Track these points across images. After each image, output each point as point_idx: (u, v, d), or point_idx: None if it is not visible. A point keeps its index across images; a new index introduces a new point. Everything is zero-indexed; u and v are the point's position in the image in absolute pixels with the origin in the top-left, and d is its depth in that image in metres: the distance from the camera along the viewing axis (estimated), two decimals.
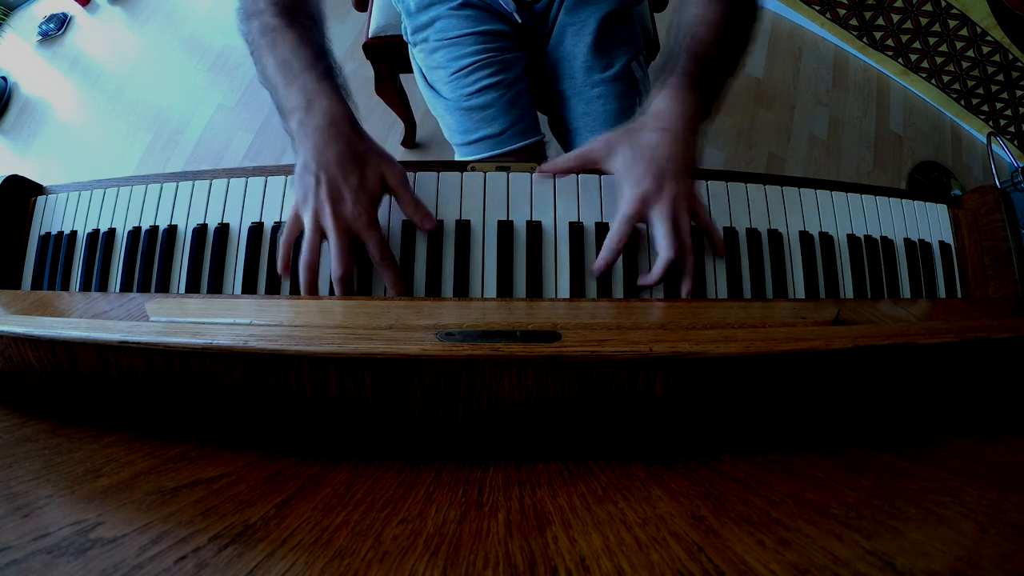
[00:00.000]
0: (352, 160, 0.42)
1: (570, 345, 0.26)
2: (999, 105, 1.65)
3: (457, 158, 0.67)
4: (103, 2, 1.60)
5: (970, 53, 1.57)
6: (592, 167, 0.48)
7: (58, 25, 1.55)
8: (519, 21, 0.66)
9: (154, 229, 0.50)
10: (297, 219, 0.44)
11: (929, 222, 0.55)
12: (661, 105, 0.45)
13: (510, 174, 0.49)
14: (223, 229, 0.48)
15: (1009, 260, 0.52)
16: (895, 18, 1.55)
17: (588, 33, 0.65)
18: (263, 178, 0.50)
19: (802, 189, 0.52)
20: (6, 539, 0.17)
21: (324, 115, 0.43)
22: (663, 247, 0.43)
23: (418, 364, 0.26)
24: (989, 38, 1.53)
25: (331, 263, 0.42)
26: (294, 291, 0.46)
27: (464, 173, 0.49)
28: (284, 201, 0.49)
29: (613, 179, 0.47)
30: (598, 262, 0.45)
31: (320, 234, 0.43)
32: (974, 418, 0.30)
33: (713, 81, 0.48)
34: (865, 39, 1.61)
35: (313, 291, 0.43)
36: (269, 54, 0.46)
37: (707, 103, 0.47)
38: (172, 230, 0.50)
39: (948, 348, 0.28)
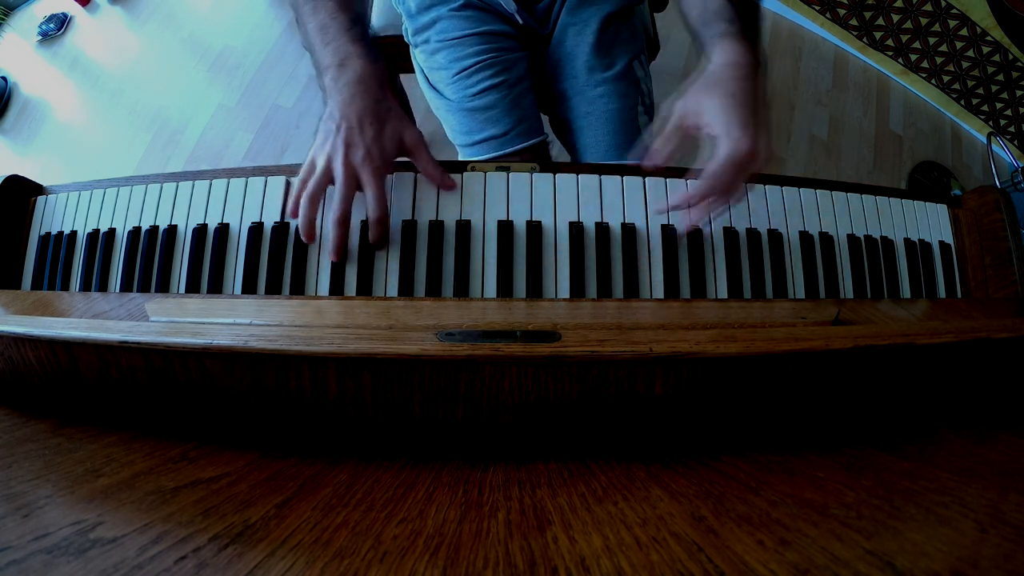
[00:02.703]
0: (373, 115, 0.45)
1: (570, 345, 0.26)
2: (999, 105, 1.65)
3: (460, 159, 0.67)
4: (103, 2, 1.60)
5: (970, 53, 1.57)
6: (691, 132, 0.47)
7: (58, 25, 1.55)
8: (520, 21, 0.66)
9: (154, 229, 0.50)
10: (312, 163, 0.46)
11: (929, 222, 0.55)
12: (728, 57, 0.46)
13: (510, 174, 0.49)
14: (223, 229, 0.48)
15: (1009, 260, 0.52)
16: (895, 18, 1.55)
17: (590, 33, 0.65)
18: (263, 178, 0.50)
19: (802, 189, 0.52)
20: (6, 539, 0.17)
21: (354, 73, 0.45)
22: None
23: (418, 364, 0.26)
24: (989, 38, 1.53)
25: (332, 206, 0.44)
26: (295, 290, 0.47)
27: (464, 173, 0.49)
28: (284, 201, 0.49)
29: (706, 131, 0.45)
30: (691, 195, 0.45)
31: (329, 176, 0.44)
32: (974, 418, 0.30)
33: (755, 26, 0.49)
34: (865, 39, 1.61)
35: (308, 226, 0.45)
36: (311, 18, 0.49)
37: (756, 48, 0.48)
38: (172, 230, 0.50)
39: (948, 348, 0.28)
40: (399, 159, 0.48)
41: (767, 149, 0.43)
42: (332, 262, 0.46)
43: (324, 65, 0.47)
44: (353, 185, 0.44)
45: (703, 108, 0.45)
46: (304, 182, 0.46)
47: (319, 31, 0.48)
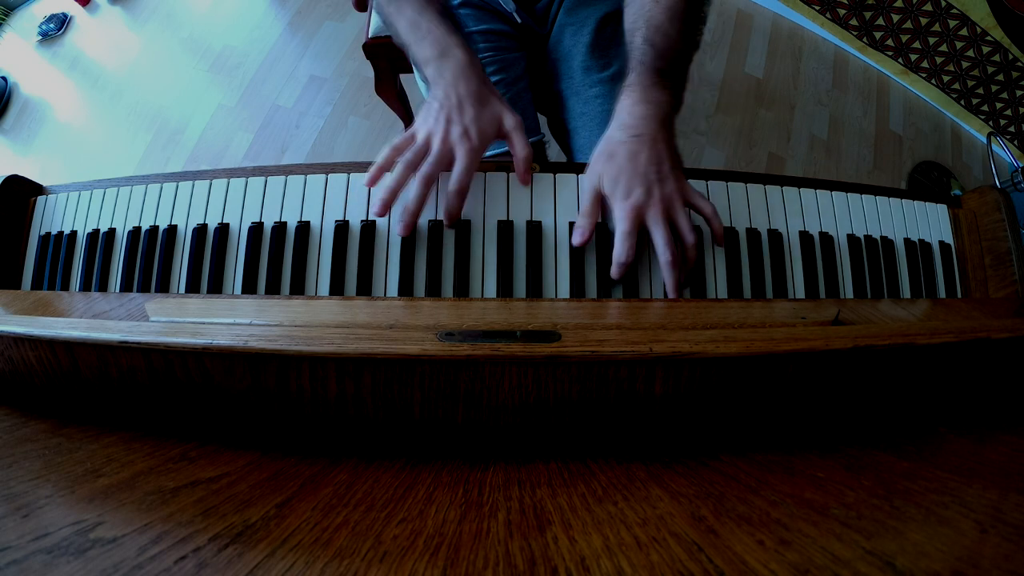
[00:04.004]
0: (475, 97, 0.47)
1: (570, 345, 0.26)
2: (999, 105, 1.65)
3: None
4: (103, 2, 1.60)
5: (970, 53, 1.57)
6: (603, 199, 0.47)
7: (58, 25, 1.55)
8: (519, 21, 0.66)
9: (154, 229, 0.50)
10: (412, 136, 0.48)
11: (929, 222, 0.55)
12: (629, 112, 0.46)
13: (510, 174, 0.49)
14: (223, 229, 0.48)
15: (1009, 260, 0.52)
16: (895, 18, 1.55)
17: (586, 33, 0.65)
18: (263, 178, 0.50)
19: (802, 189, 0.52)
20: (6, 539, 0.17)
21: (456, 61, 0.47)
22: (661, 251, 0.44)
23: (418, 364, 0.26)
24: (989, 38, 1.52)
25: (418, 173, 0.45)
26: (295, 290, 0.47)
27: None
28: (284, 201, 0.49)
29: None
30: (614, 274, 0.45)
31: (427, 149, 0.46)
32: (974, 418, 0.30)
33: (680, 70, 0.49)
34: (865, 39, 1.61)
35: (397, 188, 0.46)
36: (398, 17, 0.51)
37: (676, 94, 0.48)
38: (172, 230, 0.50)
39: (948, 348, 0.28)
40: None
41: (662, 203, 0.44)
42: (399, 235, 0.47)
43: (424, 58, 0.49)
44: (446, 159, 0.45)
45: (602, 180, 0.46)
46: (398, 148, 0.47)
47: (410, 28, 0.50)
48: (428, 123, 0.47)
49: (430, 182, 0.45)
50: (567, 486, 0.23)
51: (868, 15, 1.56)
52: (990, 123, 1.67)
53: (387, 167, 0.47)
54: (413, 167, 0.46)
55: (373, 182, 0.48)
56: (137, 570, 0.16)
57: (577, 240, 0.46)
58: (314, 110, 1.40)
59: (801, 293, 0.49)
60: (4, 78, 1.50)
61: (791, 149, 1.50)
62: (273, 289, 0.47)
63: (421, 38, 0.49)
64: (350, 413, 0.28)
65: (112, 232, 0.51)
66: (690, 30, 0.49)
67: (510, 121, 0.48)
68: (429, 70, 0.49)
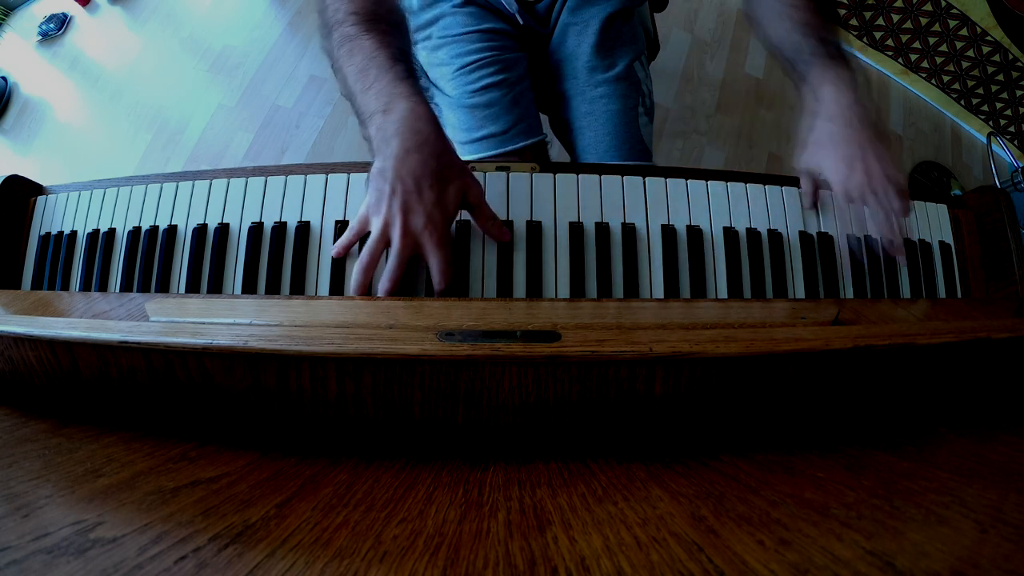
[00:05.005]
0: (433, 174, 0.40)
1: (570, 345, 0.26)
2: (999, 105, 1.65)
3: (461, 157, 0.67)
4: (103, 2, 1.60)
5: (970, 53, 1.57)
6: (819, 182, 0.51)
7: (58, 25, 1.55)
8: (521, 22, 0.66)
9: (154, 229, 0.50)
10: (365, 221, 0.42)
11: (929, 222, 0.55)
12: (833, 103, 0.48)
13: (510, 174, 0.49)
14: (223, 229, 0.48)
15: (1009, 260, 0.52)
16: (895, 18, 1.55)
17: (591, 33, 0.65)
18: (263, 178, 0.50)
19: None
20: (6, 539, 0.17)
21: (403, 119, 0.40)
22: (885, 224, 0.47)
23: (418, 364, 0.26)
24: (989, 38, 1.52)
25: (384, 274, 0.41)
26: (295, 290, 0.46)
27: None
28: (284, 201, 0.49)
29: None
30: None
31: (385, 242, 0.41)
32: (974, 418, 0.30)
33: (841, 47, 0.51)
34: (865, 39, 1.61)
35: (363, 292, 0.42)
36: (348, 62, 0.45)
37: (850, 68, 0.50)
38: (172, 230, 0.50)
39: (948, 348, 0.28)
40: None
41: (887, 172, 0.46)
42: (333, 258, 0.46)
43: (368, 113, 0.43)
44: (409, 254, 0.41)
45: (821, 167, 0.50)
46: (350, 242, 0.43)
47: (358, 75, 0.44)
48: (381, 211, 0.40)
49: (396, 282, 0.41)
50: (567, 486, 0.23)
51: (868, 15, 1.56)
52: (990, 123, 1.67)
53: (342, 254, 0.44)
54: (372, 268, 0.41)
55: (338, 255, 0.45)
56: (137, 570, 0.16)
57: (813, 202, 0.50)
58: (314, 110, 1.40)
59: (801, 293, 0.49)
60: (4, 78, 1.50)
61: (791, 149, 1.49)
62: (273, 289, 0.47)
63: (366, 87, 0.43)
64: (350, 413, 0.28)
65: (112, 232, 0.51)
66: (832, 11, 0.52)
67: (473, 194, 0.43)
68: (372, 128, 0.42)
